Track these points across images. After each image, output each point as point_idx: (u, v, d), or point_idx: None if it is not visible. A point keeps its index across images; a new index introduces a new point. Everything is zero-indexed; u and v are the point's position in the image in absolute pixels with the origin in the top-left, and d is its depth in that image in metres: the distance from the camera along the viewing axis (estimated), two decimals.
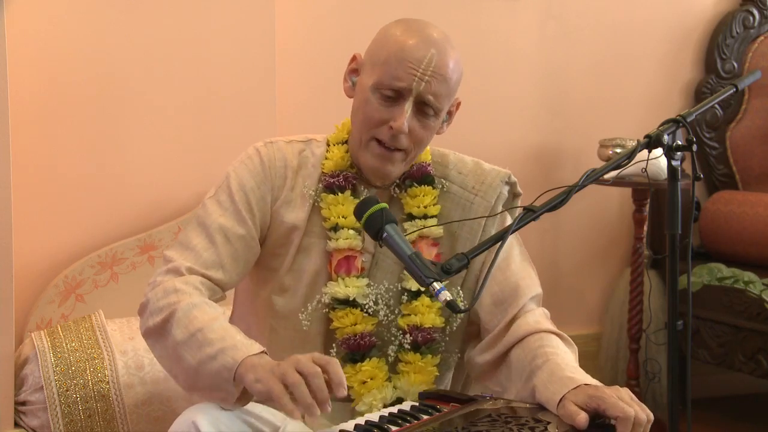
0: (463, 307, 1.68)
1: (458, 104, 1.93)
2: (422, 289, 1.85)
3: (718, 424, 3.48)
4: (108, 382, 2.45)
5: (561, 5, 3.53)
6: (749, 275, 2.85)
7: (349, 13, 3.22)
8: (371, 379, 1.84)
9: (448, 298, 1.59)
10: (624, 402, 1.59)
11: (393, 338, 1.89)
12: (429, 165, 1.94)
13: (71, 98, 2.68)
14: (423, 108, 1.82)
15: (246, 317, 1.97)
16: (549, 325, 1.86)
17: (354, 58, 1.91)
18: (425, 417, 1.67)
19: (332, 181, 1.89)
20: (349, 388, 1.80)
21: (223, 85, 2.83)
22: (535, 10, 3.49)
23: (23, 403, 2.47)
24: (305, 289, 1.89)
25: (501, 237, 1.65)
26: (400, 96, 1.80)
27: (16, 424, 2.48)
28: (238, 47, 2.84)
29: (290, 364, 1.55)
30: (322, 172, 1.91)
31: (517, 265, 1.92)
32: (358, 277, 1.87)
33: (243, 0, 2.83)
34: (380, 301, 1.89)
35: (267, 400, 1.58)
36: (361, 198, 1.86)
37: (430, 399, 1.79)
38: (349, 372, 1.83)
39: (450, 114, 1.92)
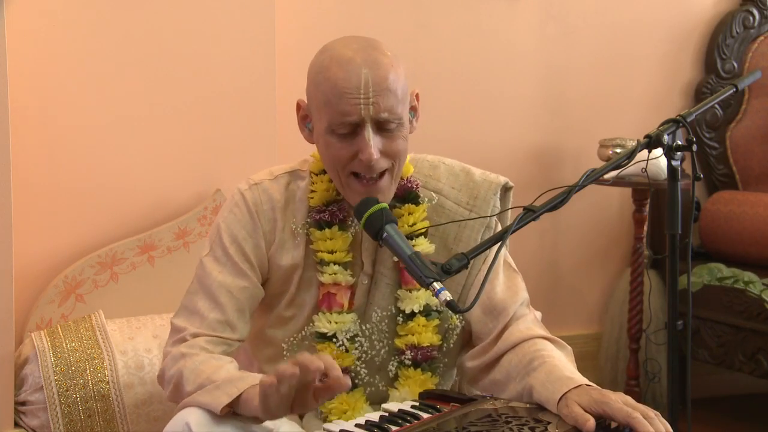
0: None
1: (417, 95, 1.89)
2: (415, 310, 1.87)
3: (718, 424, 3.47)
4: (108, 382, 2.45)
5: (561, 5, 3.53)
6: (749, 275, 2.85)
7: (349, 13, 3.22)
8: (344, 413, 1.85)
9: (448, 298, 1.59)
10: (629, 405, 1.59)
11: (371, 371, 1.90)
12: (410, 181, 1.91)
13: (71, 98, 2.68)
14: (384, 125, 1.77)
15: (244, 348, 1.99)
16: (541, 331, 1.86)
17: (299, 106, 1.87)
18: (425, 417, 1.67)
19: (319, 216, 1.88)
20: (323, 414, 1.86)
21: (223, 85, 2.83)
22: (535, 10, 3.49)
23: (23, 403, 2.47)
24: (304, 320, 1.90)
25: (500, 237, 1.65)
26: (356, 127, 1.76)
27: (16, 424, 2.48)
28: (238, 47, 2.84)
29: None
30: (310, 206, 1.89)
31: (504, 274, 1.92)
32: (340, 312, 1.86)
33: (243, 0, 2.83)
34: (361, 334, 1.89)
35: (269, 399, 1.58)
36: (349, 228, 1.88)
37: (430, 399, 1.79)
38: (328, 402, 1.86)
39: (414, 109, 1.88)
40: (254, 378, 1.68)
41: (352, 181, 1.80)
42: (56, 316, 2.64)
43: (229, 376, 1.71)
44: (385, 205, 1.74)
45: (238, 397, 1.64)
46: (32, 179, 2.63)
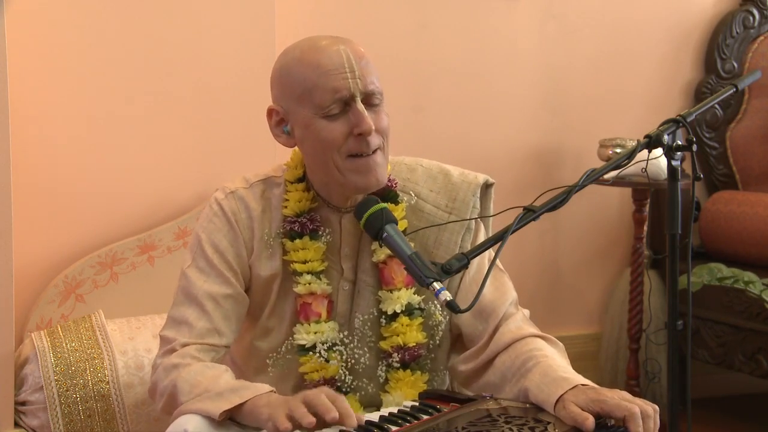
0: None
1: None
2: (397, 310, 1.86)
3: (718, 424, 3.47)
4: (108, 382, 2.45)
5: (561, 5, 3.53)
6: (749, 275, 2.85)
7: (349, 13, 3.22)
8: None
9: (447, 298, 1.59)
10: (626, 401, 1.59)
11: (359, 376, 1.89)
12: (389, 179, 1.90)
13: (71, 98, 2.68)
14: (370, 99, 1.78)
15: (233, 359, 1.99)
16: (532, 329, 1.86)
17: (272, 112, 1.85)
18: (425, 417, 1.67)
19: (290, 227, 1.87)
20: None
21: (223, 85, 2.83)
22: (535, 10, 3.49)
23: (23, 403, 2.47)
24: (286, 330, 1.90)
25: (500, 237, 1.65)
26: (346, 105, 1.76)
27: (16, 424, 2.48)
28: (238, 47, 2.84)
29: (299, 398, 1.59)
30: (284, 215, 1.89)
31: (491, 275, 1.89)
32: (318, 322, 1.86)
33: (243, 0, 2.83)
34: (346, 341, 1.88)
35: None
36: (321, 237, 1.87)
37: (430, 399, 1.79)
38: None
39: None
40: (255, 388, 1.68)
41: (350, 162, 1.78)
42: (56, 316, 2.64)
43: (229, 386, 1.70)
44: (384, 205, 1.74)
45: (240, 405, 1.64)
46: (32, 179, 2.63)
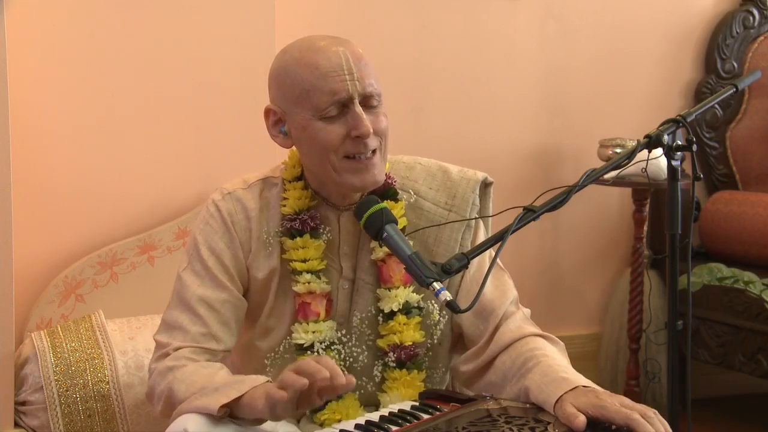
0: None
1: None
2: (394, 308, 1.85)
3: (718, 424, 3.48)
4: (108, 382, 2.45)
5: (561, 5, 3.53)
6: (749, 275, 2.85)
7: (349, 13, 3.22)
8: (338, 422, 1.82)
9: (447, 298, 1.59)
10: (626, 407, 1.59)
11: (358, 375, 1.88)
12: (388, 176, 1.89)
13: (71, 98, 2.68)
14: (368, 101, 1.78)
15: (233, 359, 1.98)
16: (532, 328, 1.86)
17: (269, 112, 1.85)
18: (425, 417, 1.67)
19: (290, 225, 1.86)
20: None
21: (223, 86, 2.83)
22: (535, 10, 3.49)
23: (23, 403, 2.47)
24: (285, 330, 1.89)
25: (501, 237, 1.65)
26: (344, 107, 1.76)
27: (16, 424, 2.48)
28: (238, 47, 2.84)
29: (288, 368, 1.58)
30: (282, 214, 1.88)
31: (491, 275, 1.87)
32: (317, 321, 1.85)
33: (243, 0, 2.83)
34: (344, 340, 1.88)
35: (276, 406, 1.57)
36: (321, 235, 1.86)
37: (430, 399, 1.79)
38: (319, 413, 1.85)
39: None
40: (252, 380, 1.67)
41: (346, 163, 1.78)
42: (56, 316, 2.64)
43: (225, 381, 1.70)
44: (384, 204, 1.73)
45: (238, 399, 1.63)
46: (32, 179, 2.63)
